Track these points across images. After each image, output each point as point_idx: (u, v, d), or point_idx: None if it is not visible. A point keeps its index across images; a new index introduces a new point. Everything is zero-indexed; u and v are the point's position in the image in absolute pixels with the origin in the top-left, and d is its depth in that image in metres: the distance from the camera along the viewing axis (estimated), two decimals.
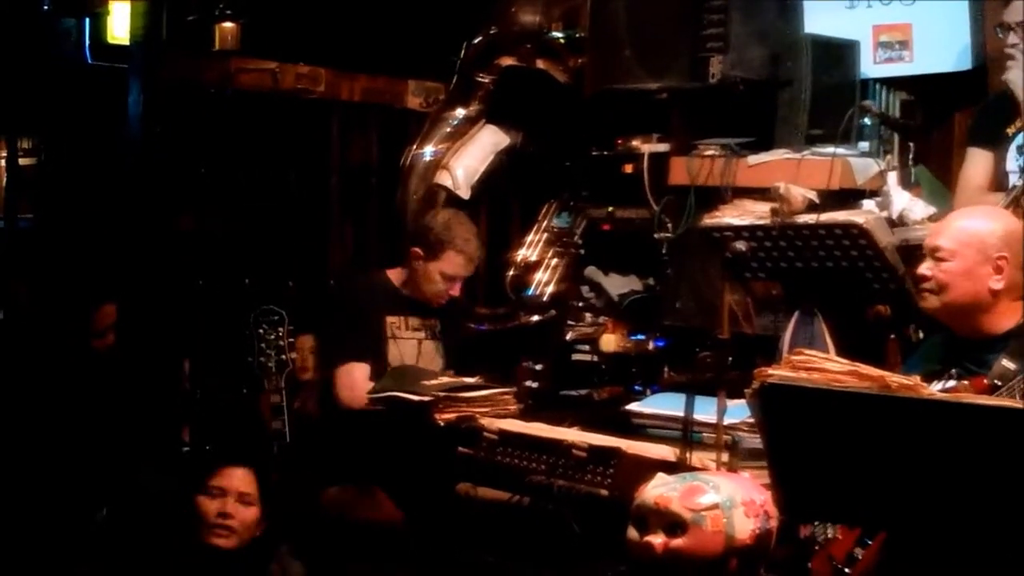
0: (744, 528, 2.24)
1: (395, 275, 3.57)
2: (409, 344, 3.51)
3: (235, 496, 2.62)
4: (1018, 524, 1.79)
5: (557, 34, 4.09)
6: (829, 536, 2.35)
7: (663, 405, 3.02)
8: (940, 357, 2.55)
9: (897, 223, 3.04)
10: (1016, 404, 2.08)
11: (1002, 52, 3.15)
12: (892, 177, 3.16)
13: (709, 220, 3.20)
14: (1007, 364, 2.33)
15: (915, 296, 2.61)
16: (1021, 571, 1.82)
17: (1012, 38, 3.01)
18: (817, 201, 3.08)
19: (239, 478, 2.65)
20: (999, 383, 2.31)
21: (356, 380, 3.34)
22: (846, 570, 2.29)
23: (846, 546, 2.31)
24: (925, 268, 2.55)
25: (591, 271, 3.97)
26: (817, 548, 2.35)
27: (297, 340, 3.48)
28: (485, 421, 2.92)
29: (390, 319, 3.49)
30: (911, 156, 3.35)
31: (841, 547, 2.32)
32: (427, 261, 3.45)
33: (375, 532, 3.02)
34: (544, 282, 4.05)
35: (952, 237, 2.53)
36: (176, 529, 2.76)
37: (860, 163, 3.23)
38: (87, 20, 4.55)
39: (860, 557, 2.28)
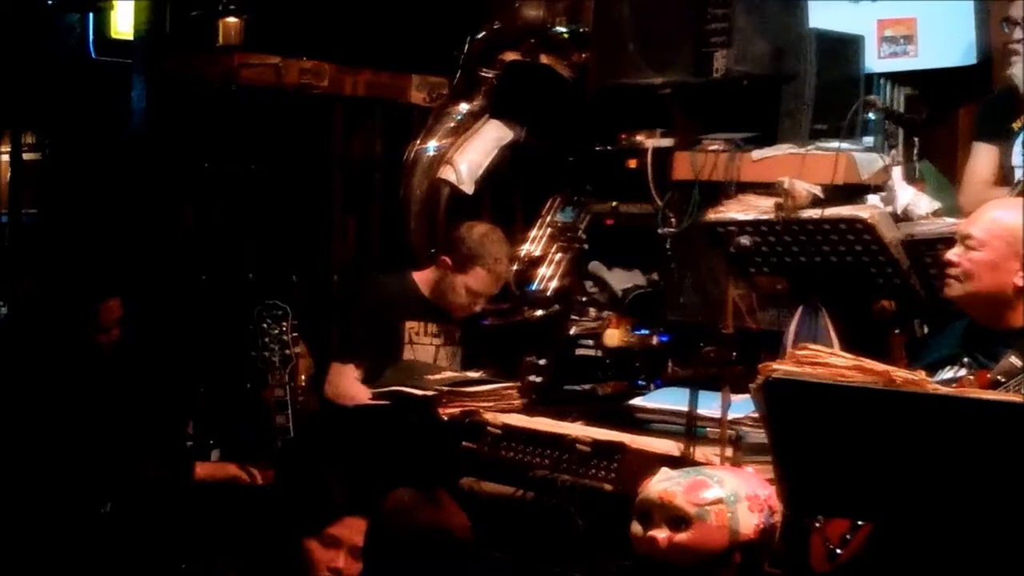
0: (748, 523, 2.24)
1: (422, 278, 3.55)
2: (427, 350, 3.50)
3: (348, 549, 2.43)
4: (1018, 518, 1.79)
5: (560, 29, 4.08)
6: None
7: (667, 400, 3.02)
8: (960, 343, 2.54)
9: (902, 218, 3.03)
10: (1018, 399, 2.07)
11: (1007, 47, 3.14)
12: (897, 172, 3.16)
13: (713, 215, 3.20)
14: (1014, 361, 2.33)
15: (937, 282, 2.60)
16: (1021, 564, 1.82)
17: (1018, 33, 3.01)
18: (821, 196, 3.07)
19: (357, 529, 2.46)
20: (1002, 379, 2.31)
21: (344, 380, 3.35)
22: (838, 551, 2.30)
23: (841, 528, 2.32)
24: (953, 254, 2.54)
25: (595, 266, 3.97)
26: (817, 527, 2.36)
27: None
28: (489, 416, 2.92)
29: (410, 324, 3.48)
30: (916, 151, 3.34)
31: (836, 528, 2.33)
32: (455, 273, 3.44)
33: (438, 538, 2.99)
34: (548, 277, 4.05)
35: (984, 227, 2.51)
36: (177, 524, 2.75)
37: (864, 158, 3.23)
38: (91, 15, 4.55)
39: (851, 539, 2.29)
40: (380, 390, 3.25)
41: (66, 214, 4.57)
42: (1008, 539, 1.83)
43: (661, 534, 2.24)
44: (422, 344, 3.49)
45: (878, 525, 2.23)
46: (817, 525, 2.36)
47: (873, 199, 3.13)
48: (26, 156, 4.82)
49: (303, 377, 3.64)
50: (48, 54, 4.53)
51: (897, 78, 3.51)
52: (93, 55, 4.56)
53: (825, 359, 2.01)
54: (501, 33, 4.14)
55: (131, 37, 3.98)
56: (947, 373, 2.45)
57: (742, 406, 2.57)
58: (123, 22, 4.44)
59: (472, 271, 3.42)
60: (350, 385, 3.36)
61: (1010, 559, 1.85)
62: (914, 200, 3.06)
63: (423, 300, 3.51)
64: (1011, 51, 3.07)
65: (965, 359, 2.46)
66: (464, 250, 3.45)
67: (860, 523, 2.29)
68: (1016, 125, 3.09)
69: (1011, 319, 2.49)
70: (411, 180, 4.13)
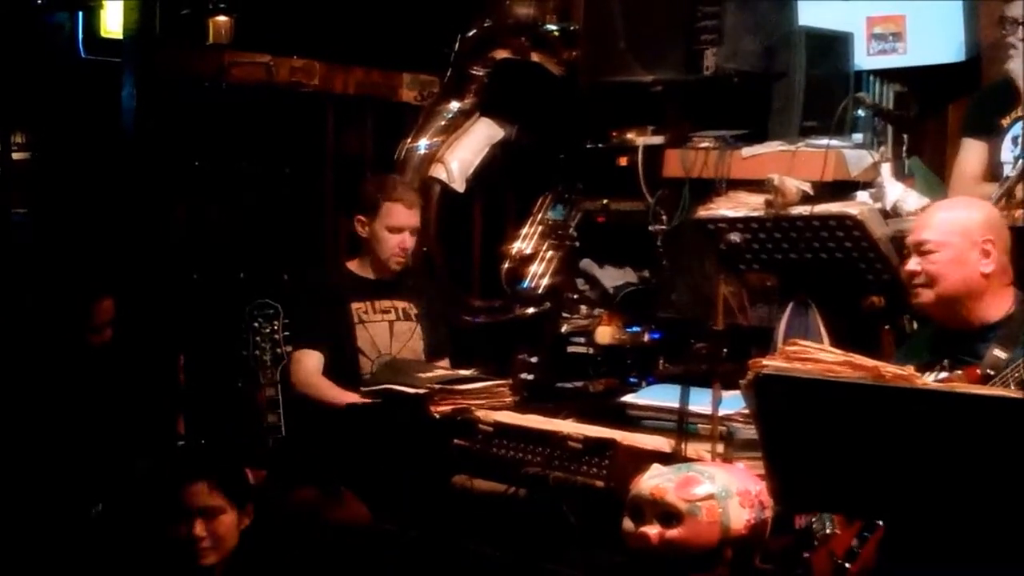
0: (739, 518, 2.25)
1: (354, 264, 3.58)
2: (379, 327, 3.50)
3: (199, 513, 2.48)
4: (1012, 514, 1.80)
5: (551, 27, 4.09)
6: (828, 532, 2.35)
7: (658, 396, 3.03)
8: (929, 350, 2.54)
9: (891, 214, 3.05)
10: (1010, 393, 2.08)
11: (996, 43, 3.16)
12: (886, 168, 3.17)
13: (703, 212, 3.21)
14: (998, 353, 2.34)
15: (907, 294, 2.60)
16: (1015, 560, 1.83)
17: (1020, 32, 3.00)
18: (811, 193, 3.08)
19: (198, 493, 2.49)
20: (992, 372, 2.32)
21: (306, 366, 3.37)
22: (847, 565, 2.29)
23: (846, 541, 2.31)
24: (914, 264, 2.52)
25: (586, 263, 3.98)
26: (816, 544, 2.35)
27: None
28: (481, 413, 2.93)
29: (355, 305, 3.49)
30: (905, 147, 3.35)
31: (841, 543, 2.32)
32: (371, 222, 3.47)
33: (343, 533, 3.00)
34: (539, 274, 4.06)
35: (936, 229, 2.52)
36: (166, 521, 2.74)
37: (854, 155, 3.24)
38: (80, 14, 4.53)
39: (860, 552, 2.28)
40: (371, 388, 3.26)
41: (57, 214, 4.55)
42: (1000, 532, 1.83)
43: (653, 530, 2.25)
44: (373, 322, 3.49)
45: (886, 537, 2.22)
46: (816, 544, 2.34)
47: (862, 196, 3.14)
48: (15, 156, 4.80)
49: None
50: (38, 53, 4.51)
51: (886, 75, 3.53)
52: (83, 54, 4.54)
53: (815, 355, 2.01)
54: (492, 31, 4.14)
55: (121, 36, 3.96)
56: (929, 377, 2.44)
57: (733, 402, 2.58)
58: (113, 21, 4.42)
59: (382, 209, 3.46)
60: (311, 374, 3.37)
61: (1004, 553, 1.85)
62: (903, 196, 3.07)
63: (362, 280, 3.52)
64: (1006, 46, 3.07)
65: (945, 361, 2.46)
66: (368, 198, 3.50)
67: (867, 534, 2.29)
68: (1005, 121, 3.10)
69: (982, 313, 2.48)
70: (402, 178, 4.13)
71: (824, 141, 3.19)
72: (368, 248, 3.52)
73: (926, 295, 2.52)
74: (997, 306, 2.49)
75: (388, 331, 3.51)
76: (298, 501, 3.09)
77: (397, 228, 3.47)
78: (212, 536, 2.48)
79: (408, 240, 3.49)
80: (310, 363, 3.40)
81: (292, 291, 3.71)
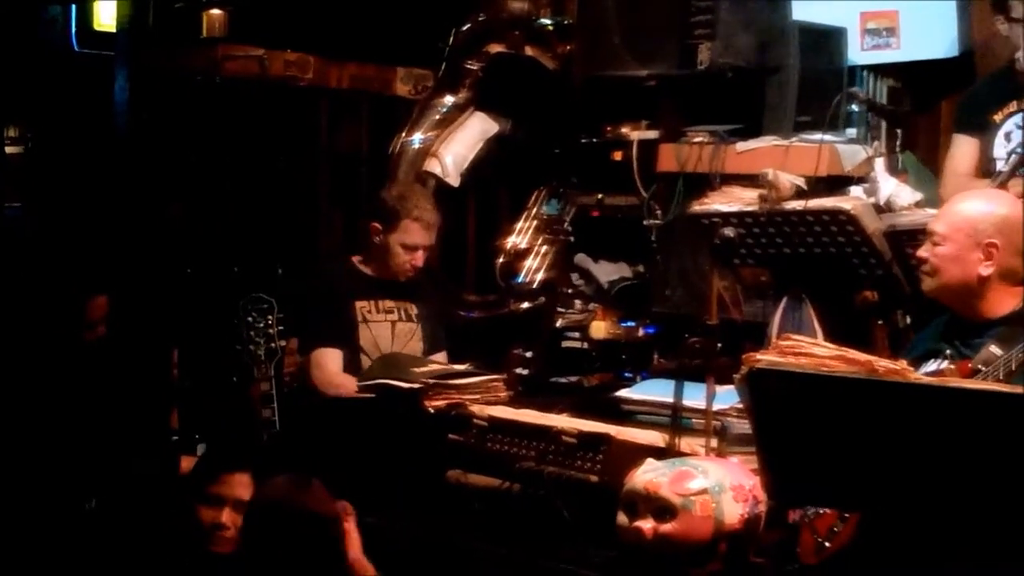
0: (733, 513, 2.26)
1: (359, 260, 3.57)
2: (382, 327, 3.50)
3: (232, 504, 2.56)
4: (1001, 505, 1.81)
5: (545, 21, 4.09)
6: (811, 513, 2.37)
7: (652, 391, 3.03)
8: (939, 337, 2.56)
9: (884, 209, 3.06)
10: (998, 387, 2.09)
11: (989, 39, 3.16)
12: (879, 163, 3.18)
13: (698, 207, 3.21)
14: (993, 350, 2.35)
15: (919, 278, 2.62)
16: (1004, 551, 1.84)
17: (1017, 30, 3.01)
18: (805, 187, 3.09)
19: (238, 484, 2.58)
20: (982, 368, 2.33)
21: (327, 365, 3.37)
22: (826, 544, 2.32)
23: (829, 521, 2.35)
24: (923, 250, 2.56)
25: (580, 258, 3.98)
26: (806, 521, 2.38)
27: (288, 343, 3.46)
28: (475, 408, 2.93)
29: (360, 304, 3.49)
30: (898, 142, 3.36)
31: (824, 522, 2.35)
32: (386, 234, 3.46)
33: (310, 524, 3.00)
34: (534, 269, 4.06)
35: (947, 222, 2.54)
36: (164, 520, 2.75)
37: (848, 150, 3.25)
38: (73, 7, 4.53)
39: (839, 532, 2.31)
40: (366, 383, 3.26)
41: (49, 208, 4.55)
42: (989, 526, 1.84)
43: (647, 525, 2.25)
44: (376, 322, 3.49)
45: (864, 517, 2.24)
46: (806, 520, 2.38)
47: (856, 190, 3.15)
48: (9, 149, 4.79)
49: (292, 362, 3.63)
50: (31, 46, 4.50)
51: (880, 70, 3.54)
52: (76, 47, 4.53)
53: (808, 349, 2.03)
54: (486, 25, 4.14)
55: (114, 29, 3.95)
56: (931, 366, 2.47)
57: (727, 397, 2.59)
58: (106, 14, 4.42)
59: (400, 226, 3.44)
60: (335, 374, 3.37)
61: (992, 546, 1.86)
62: (896, 191, 3.08)
63: (367, 278, 3.52)
64: (1003, 42, 3.07)
65: (948, 351, 2.49)
66: (387, 209, 3.48)
67: (847, 516, 2.31)
68: (997, 117, 3.11)
69: (986, 309, 2.50)
70: (397, 173, 4.13)
71: (818, 136, 3.19)
72: (377, 251, 3.51)
73: (928, 283, 2.56)
74: (1001, 304, 2.49)
75: (390, 331, 3.50)
76: (268, 491, 3.07)
77: (412, 246, 3.46)
78: (236, 527, 2.51)
79: (420, 257, 3.49)
80: (331, 363, 3.38)
81: (298, 286, 3.71)
